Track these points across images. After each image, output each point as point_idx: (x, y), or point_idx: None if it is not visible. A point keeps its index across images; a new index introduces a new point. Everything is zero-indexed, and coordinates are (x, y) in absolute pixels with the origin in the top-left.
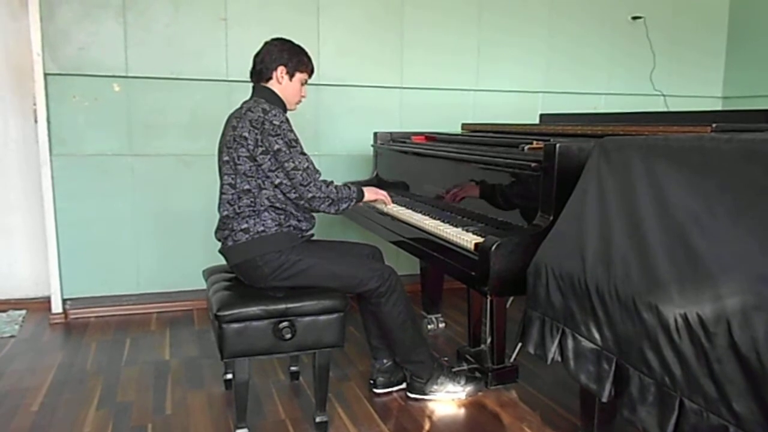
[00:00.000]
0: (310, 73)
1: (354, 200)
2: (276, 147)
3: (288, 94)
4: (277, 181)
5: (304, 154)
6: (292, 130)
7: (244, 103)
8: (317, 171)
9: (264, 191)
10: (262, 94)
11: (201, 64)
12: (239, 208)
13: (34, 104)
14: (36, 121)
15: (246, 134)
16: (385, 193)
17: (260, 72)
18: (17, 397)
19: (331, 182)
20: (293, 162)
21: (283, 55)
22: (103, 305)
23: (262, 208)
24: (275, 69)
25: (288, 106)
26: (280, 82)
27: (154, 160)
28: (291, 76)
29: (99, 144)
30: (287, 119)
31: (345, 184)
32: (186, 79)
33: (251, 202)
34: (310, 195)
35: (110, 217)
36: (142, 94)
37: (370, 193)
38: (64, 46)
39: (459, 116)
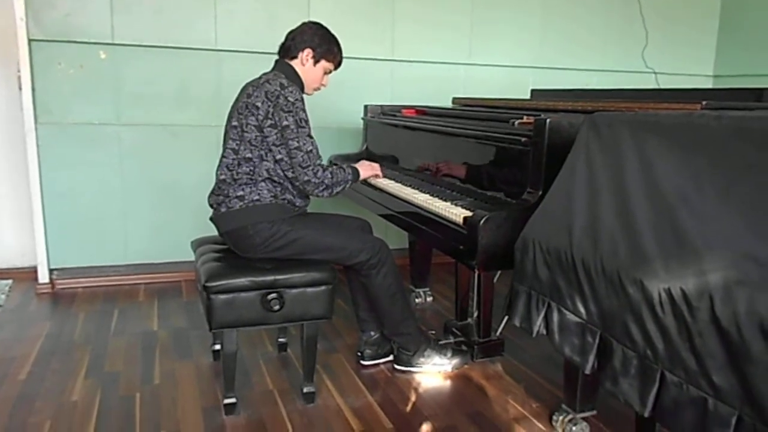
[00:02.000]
0: (337, 64)
1: (349, 182)
2: (285, 123)
3: (308, 78)
4: (278, 157)
5: (311, 137)
6: (304, 110)
7: (264, 74)
8: (319, 156)
9: (264, 162)
10: (283, 69)
11: (189, 32)
12: (237, 174)
13: (18, 71)
14: (20, 89)
15: (259, 104)
16: (377, 165)
17: (288, 48)
18: (4, 366)
19: (328, 167)
20: (298, 141)
21: (315, 39)
22: (91, 276)
23: (260, 179)
24: (302, 50)
25: (305, 89)
26: (304, 64)
27: (141, 129)
28: (316, 61)
29: (85, 113)
30: (302, 98)
31: (339, 166)
32: (174, 47)
33: (250, 170)
34: (305, 178)
35: (97, 187)
36: (129, 62)
37: (365, 170)
38: (49, 11)
39: (450, 90)
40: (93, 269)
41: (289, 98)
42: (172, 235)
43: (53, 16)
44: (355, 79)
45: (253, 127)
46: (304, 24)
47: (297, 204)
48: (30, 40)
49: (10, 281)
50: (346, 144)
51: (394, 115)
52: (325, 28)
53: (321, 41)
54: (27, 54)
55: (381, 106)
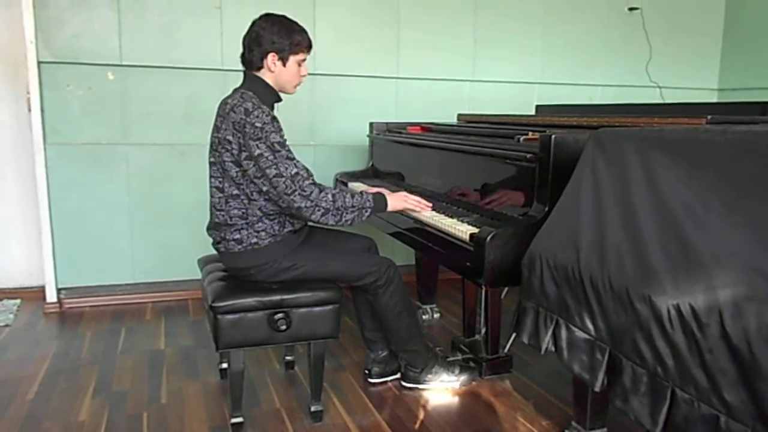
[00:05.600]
0: (308, 49)
1: (367, 210)
2: (257, 152)
3: (283, 81)
4: (264, 189)
5: (292, 158)
6: (277, 131)
7: (232, 95)
8: (308, 177)
9: (254, 202)
10: (251, 86)
11: (196, 52)
12: (231, 218)
13: (28, 93)
14: (30, 110)
15: (230, 137)
16: (417, 198)
17: (250, 61)
18: (12, 385)
19: (327, 188)
20: (276, 168)
21: (274, 39)
22: (98, 295)
23: (255, 219)
24: (265, 57)
25: (285, 92)
26: (272, 71)
27: (148, 149)
28: (285, 61)
29: (93, 133)
30: (273, 119)
31: (359, 192)
32: (181, 67)
33: (242, 212)
34: (296, 204)
35: (105, 206)
36: (136, 82)
37: (397, 201)
38: (58, 33)
39: (455, 107)
40: (100, 288)
41: (256, 124)
42: (179, 254)
43: (62, 39)
44: (361, 96)
45: (231, 164)
46: (255, 25)
47: (297, 228)
48: (39, 62)
49: (18, 301)
50: (352, 162)
51: (400, 133)
52: (280, 19)
53: (281, 38)
54: (36, 76)
55: (386, 123)
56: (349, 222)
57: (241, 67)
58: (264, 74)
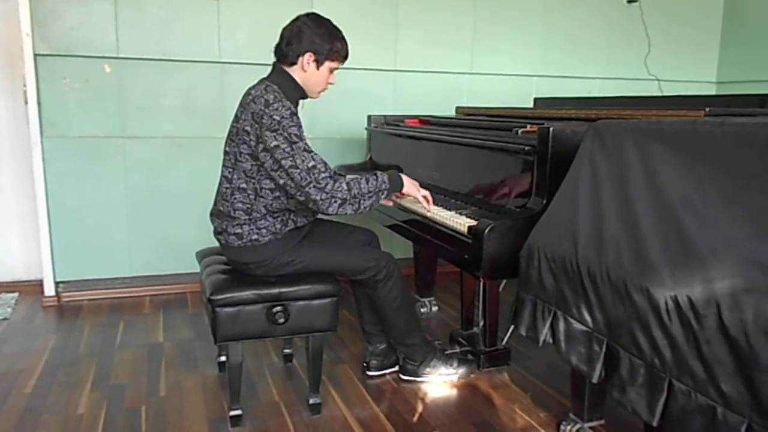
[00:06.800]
0: (344, 59)
1: (384, 191)
2: (273, 144)
3: (311, 83)
4: (281, 182)
5: (309, 151)
6: (296, 125)
7: (256, 85)
8: (324, 171)
9: (261, 199)
10: (277, 79)
11: (193, 45)
12: (234, 211)
13: (24, 85)
14: (26, 103)
15: (248, 128)
16: (426, 192)
17: (285, 54)
18: (10, 379)
19: (341, 178)
20: (293, 160)
21: (314, 39)
22: (96, 288)
23: (258, 216)
24: (302, 54)
25: (309, 95)
26: (305, 70)
27: (146, 142)
28: (319, 64)
29: (90, 126)
30: (293, 113)
31: (368, 175)
32: (178, 60)
33: (247, 207)
34: (312, 197)
35: (102, 199)
36: (133, 75)
37: (411, 185)
38: (54, 26)
39: (453, 99)
40: (98, 282)
41: (275, 116)
42: (177, 247)
43: (58, 31)
44: (359, 89)
45: (247, 156)
46: (299, 20)
47: (300, 225)
48: (36, 55)
49: (16, 294)
50: (351, 154)
51: (398, 125)
52: (325, 23)
53: (322, 41)
54: (33, 69)
55: (384, 116)
56: (367, 208)
57: (238, 60)
58: (295, 71)
